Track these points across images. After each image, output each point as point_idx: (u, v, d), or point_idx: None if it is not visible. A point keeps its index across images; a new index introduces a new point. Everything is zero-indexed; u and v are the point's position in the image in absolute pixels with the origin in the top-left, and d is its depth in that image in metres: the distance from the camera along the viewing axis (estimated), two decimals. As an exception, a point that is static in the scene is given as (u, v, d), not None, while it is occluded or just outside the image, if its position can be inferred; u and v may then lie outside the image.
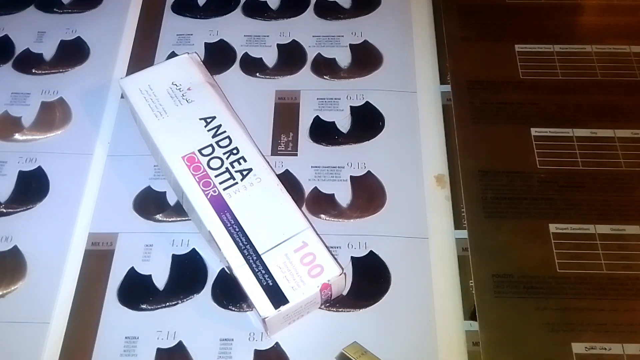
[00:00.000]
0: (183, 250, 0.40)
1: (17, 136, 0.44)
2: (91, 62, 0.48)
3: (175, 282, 0.38)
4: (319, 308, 0.37)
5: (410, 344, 0.36)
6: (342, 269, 0.35)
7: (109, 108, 0.46)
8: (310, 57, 0.48)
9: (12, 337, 0.37)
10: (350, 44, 0.48)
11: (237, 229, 0.36)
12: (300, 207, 0.39)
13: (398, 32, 0.49)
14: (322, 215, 0.41)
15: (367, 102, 0.45)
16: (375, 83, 0.46)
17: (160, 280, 0.39)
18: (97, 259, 0.39)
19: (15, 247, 0.40)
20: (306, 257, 0.35)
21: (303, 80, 0.47)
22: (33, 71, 0.47)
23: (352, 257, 0.39)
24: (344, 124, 0.45)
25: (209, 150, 0.38)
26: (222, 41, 0.49)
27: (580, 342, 0.36)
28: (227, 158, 0.38)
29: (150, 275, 0.39)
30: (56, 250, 0.39)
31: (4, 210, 0.41)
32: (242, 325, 0.37)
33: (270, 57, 0.48)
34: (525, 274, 0.38)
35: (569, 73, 0.46)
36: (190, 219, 0.40)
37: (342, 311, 0.38)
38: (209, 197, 0.37)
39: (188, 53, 0.43)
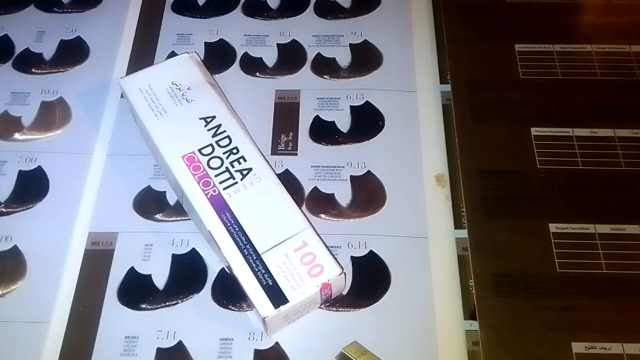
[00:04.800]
0: (183, 250, 0.40)
1: (17, 136, 0.44)
2: (91, 62, 0.48)
3: (175, 282, 0.38)
4: (319, 308, 0.37)
5: (410, 343, 0.36)
6: (342, 268, 0.35)
7: (108, 108, 0.46)
8: (310, 56, 0.48)
9: (12, 336, 0.37)
10: (350, 44, 0.48)
11: (237, 229, 0.36)
12: (300, 206, 0.39)
13: (398, 31, 0.49)
14: (322, 215, 0.41)
15: (367, 102, 0.45)
16: (375, 83, 0.46)
17: (160, 279, 0.38)
18: (97, 258, 0.39)
19: (15, 246, 0.40)
20: (306, 257, 0.35)
21: (303, 80, 0.47)
22: (33, 71, 0.47)
23: (352, 257, 0.39)
24: (343, 123, 0.45)
25: (209, 149, 0.38)
26: (222, 41, 0.49)
27: (580, 341, 0.35)
28: (227, 158, 0.38)
29: (150, 275, 0.39)
30: (56, 249, 0.39)
31: (4, 210, 0.41)
32: (242, 325, 0.37)
33: (270, 57, 0.48)
34: (525, 273, 0.38)
35: (569, 73, 0.46)
36: (190, 219, 0.40)
37: (342, 311, 0.38)
38: (208, 196, 0.37)
39: (188, 52, 0.43)
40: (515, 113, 0.44)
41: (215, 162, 0.38)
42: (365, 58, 0.48)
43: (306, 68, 0.47)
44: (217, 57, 0.48)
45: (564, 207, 0.40)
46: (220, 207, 0.36)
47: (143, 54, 0.48)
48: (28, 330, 0.37)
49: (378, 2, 0.51)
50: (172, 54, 0.48)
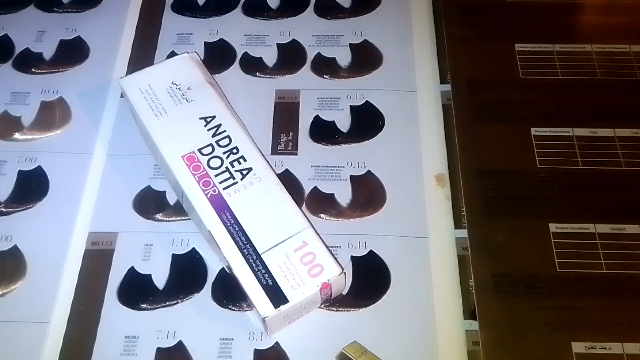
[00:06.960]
0: (183, 250, 0.40)
1: (16, 135, 0.44)
2: (91, 62, 0.48)
3: (175, 282, 0.38)
4: (319, 307, 0.37)
5: (410, 343, 0.36)
6: (342, 268, 0.35)
7: (108, 107, 0.46)
8: (310, 56, 0.48)
9: (12, 336, 0.37)
10: (350, 44, 0.48)
11: (236, 229, 0.36)
12: (300, 206, 0.39)
13: (398, 31, 0.49)
14: (322, 215, 0.41)
15: (367, 102, 0.45)
16: (375, 82, 0.46)
17: (160, 279, 0.38)
18: (97, 258, 0.39)
19: (15, 246, 0.40)
20: (306, 257, 0.35)
21: (303, 80, 0.47)
22: (33, 70, 0.47)
23: (352, 257, 0.39)
24: (343, 123, 0.45)
25: (209, 149, 0.38)
26: (222, 40, 0.49)
27: (580, 341, 0.35)
28: (227, 157, 0.38)
29: (150, 275, 0.39)
30: (56, 249, 0.39)
31: (4, 210, 0.41)
32: (242, 325, 0.37)
33: (270, 57, 0.48)
34: (525, 273, 0.38)
35: (569, 73, 0.46)
36: (190, 219, 0.40)
37: (342, 311, 0.38)
38: (208, 196, 0.37)
39: (188, 52, 0.43)
40: (515, 113, 0.44)
41: (215, 162, 0.38)
42: (365, 58, 0.48)
43: (306, 68, 0.47)
44: (217, 57, 0.48)
45: (564, 207, 0.40)
46: (220, 207, 0.36)
47: (143, 54, 0.48)
48: (28, 330, 0.37)
49: (378, 2, 0.51)
50: (172, 54, 0.48)
